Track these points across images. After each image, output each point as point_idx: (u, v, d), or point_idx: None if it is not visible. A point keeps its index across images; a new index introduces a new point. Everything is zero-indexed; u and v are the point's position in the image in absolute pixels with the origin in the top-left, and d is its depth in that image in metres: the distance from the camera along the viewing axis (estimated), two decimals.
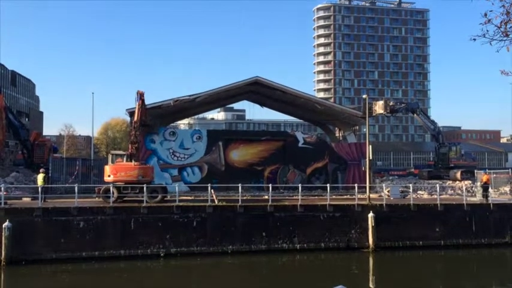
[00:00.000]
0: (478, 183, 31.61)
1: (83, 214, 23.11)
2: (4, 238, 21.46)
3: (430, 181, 40.99)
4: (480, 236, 27.36)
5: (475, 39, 8.18)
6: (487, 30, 8.12)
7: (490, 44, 8.21)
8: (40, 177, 25.91)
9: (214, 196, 26.38)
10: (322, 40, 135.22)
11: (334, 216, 25.95)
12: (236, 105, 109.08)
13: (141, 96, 28.04)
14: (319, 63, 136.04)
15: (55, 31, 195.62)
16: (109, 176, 26.31)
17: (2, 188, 23.49)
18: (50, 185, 28.43)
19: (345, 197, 31.72)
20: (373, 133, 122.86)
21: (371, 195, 29.08)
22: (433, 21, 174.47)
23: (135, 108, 28.58)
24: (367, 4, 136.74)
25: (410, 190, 29.12)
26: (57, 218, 22.80)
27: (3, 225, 21.53)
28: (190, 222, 24.24)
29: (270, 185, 27.42)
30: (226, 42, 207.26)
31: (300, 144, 39.97)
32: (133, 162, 26.96)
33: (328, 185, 27.74)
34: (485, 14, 8.03)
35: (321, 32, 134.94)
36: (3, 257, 21.42)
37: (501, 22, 8.08)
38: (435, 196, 29.80)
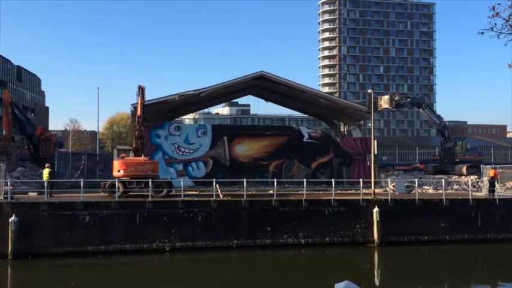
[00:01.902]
0: (485, 178, 31.45)
1: (89, 209, 23.22)
2: (11, 232, 21.62)
3: (435, 176, 40.84)
4: (486, 231, 27.23)
5: (483, 33, 8.12)
6: (495, 24, 8.04)
7: (498, 37, 8.13)
8: (46, 172, 26.03)
9: (219, 191, 26.41)
10: (327, 34, 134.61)
11: (339, 211, 25.93)
12: (241, 100, 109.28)
13: (142, 90, 28.16)
14: (324, 57, 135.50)
15: (61, 26, 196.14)
16: (118, 171, 26.33)
17: (9, 183, 23.64)
18: (55, 180, 28.57)
19: (350, 191, 31.66)
20: (379, 128, 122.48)
21: (376, 190, 28.99)
22: (439, 15, 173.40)
23: (137, 103, 28.70)
24: None
25: (416, 185, 29.00)
26: (63, 212, 22.92)
27: (10, 220, 21.68)
28: (195, 217, 24.30)
29: (275, 179, 27.40)
30: (231, 37, 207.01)
31: (304, 139, 39.87)
32: (143, 157, 27.05)
33: (333, 179, 27.69)
34: (493, 7, 7.95)
35: (326, 26, 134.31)
36: (9, 250, 21.58)
37: (509, 15, 8.00)
38: (441, 191, 29.67)
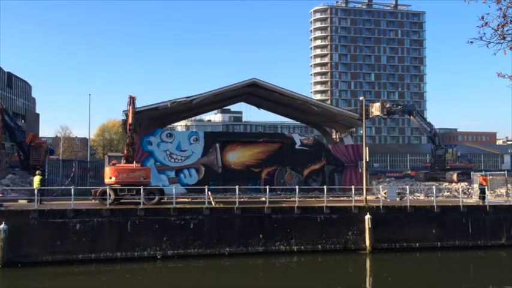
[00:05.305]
0: (475, 185, 31.70)
1: (80, 216, 23.02)
2: (0, 240, 21.35)
3: (426, 183, 41.08)
4: (476, 237, 27.43)
5: (472, 42, 8.21)
6: (484, 33, 8.15)
7: (487, 46, 8.23)
8: (36, 179, 25.80)
9: (211, 198, 26.34)
10: (319, 42, 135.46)
11: (331, 218, 25.96)
12: (233, 107, 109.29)
13: (133, 100, 28.37)
14: (316, 65, 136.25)
15: (52, 33, 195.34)
16: (110, 178, 26.14)
17: None
18: (46, 187, 28.29)
19: (342, 198, 31.73)
20: (370, 135, 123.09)
21: (368, 197, 29.10)
22: (429, 23, 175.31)
23: (128, 111, 28.73)
24: (363, 6, 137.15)
25: (407, 192, 29.15)
26: (53, 220, 22.70)
27: None
28: (187, 224, 24.18)
29: (267, 186, 27.42)
30: (223, 44, 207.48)
31: (297, 146, 39.97)
32: (134, 164, 26.93)
33: (325, 186, 27.77)
34: (482, 17, 8.06)
35: (318, 34, 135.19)
36: None
37: (498, 25, 8.11)
38: (432, 198, 29.86)
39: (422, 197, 34.50)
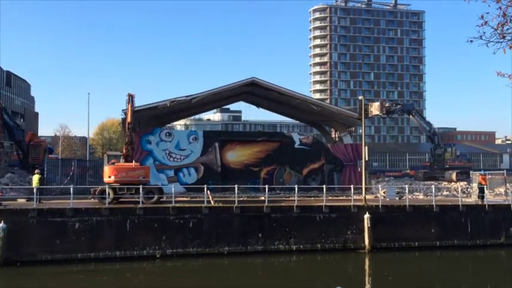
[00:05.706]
0: (474, 184, 31.74)
1: (79, 215, 23.00)
2: None
3: (425, 182, 41.15)
4: (475, 236, 27.45)
5: (471, 41, 8.20)
6: (484, 32, 8.15)
7: (487, 45, 8.23)
8: (35, 178, 25.78)
9: (210, 197, 26.34)
10: (318, 41, 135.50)
11: (330, 217, 25.96)
12: (232, 106, 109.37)
13: (131, 98, 28.34)
14: (315, 64, 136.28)
15: (51, 31, 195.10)
16: (109, 176, 26.12)
17: None
18: (45, 186, 28.29)
19: (341, 198, 31.72)
20: (369, 134, 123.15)
21: (367, 196, 29.10)
22: (429, 22, 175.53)
23: (127, 109, 28.71)
24: (363, 6, 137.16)
25: (406, 191, 29.17)
26: (52, 219, 22.68)
27: None
28: (186, 223, 24.18)
29: (267, 186, 27.43)
30: (222, 44, 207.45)
31: (296, 145, 39.98)
32: (134, 163, 26.92)
33: (324, 186, 27.75)
34: (482, 16, 8.06)
35: (317, 33, 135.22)
36: None
37: (498, 24, 8.11)
38: (431, 197, 29.87)
39: (421, 196, 34.52)
